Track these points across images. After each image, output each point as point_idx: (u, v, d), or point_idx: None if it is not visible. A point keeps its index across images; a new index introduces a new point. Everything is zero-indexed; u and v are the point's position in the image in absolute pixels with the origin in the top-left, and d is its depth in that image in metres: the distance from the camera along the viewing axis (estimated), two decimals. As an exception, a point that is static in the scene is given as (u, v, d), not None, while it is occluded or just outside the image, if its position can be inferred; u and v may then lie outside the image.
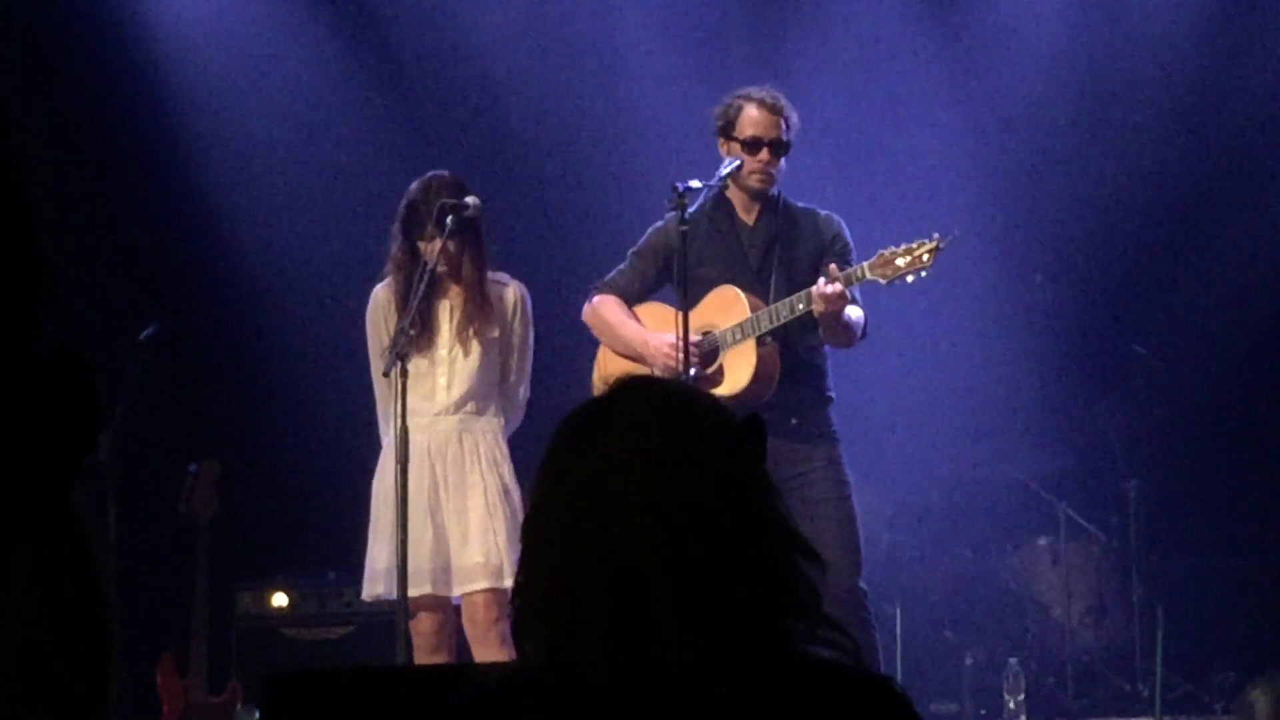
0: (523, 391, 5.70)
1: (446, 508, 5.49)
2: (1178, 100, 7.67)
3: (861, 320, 5.36)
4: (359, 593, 5.72)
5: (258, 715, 5.55)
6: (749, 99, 5.44)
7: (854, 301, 5.28)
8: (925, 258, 5.07)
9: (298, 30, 7.69)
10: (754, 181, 5.44)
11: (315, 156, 7.66)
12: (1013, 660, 6.97)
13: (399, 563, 5.21)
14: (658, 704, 1.79)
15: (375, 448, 5.69)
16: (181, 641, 6.29)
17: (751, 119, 5.42)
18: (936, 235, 5.12)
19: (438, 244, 5.41)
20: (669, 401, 1.89)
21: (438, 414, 5.54)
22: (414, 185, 5.56)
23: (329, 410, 7.13)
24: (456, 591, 5.49)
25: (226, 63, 7.61)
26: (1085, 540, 7.35)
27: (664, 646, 1.78)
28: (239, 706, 6.31)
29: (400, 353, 5.26)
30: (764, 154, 5.39)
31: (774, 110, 5.41)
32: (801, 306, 5.21)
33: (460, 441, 5.54)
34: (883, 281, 5.14)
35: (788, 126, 5.43)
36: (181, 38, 7.54)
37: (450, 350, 5.56)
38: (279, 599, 6.63)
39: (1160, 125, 7.66)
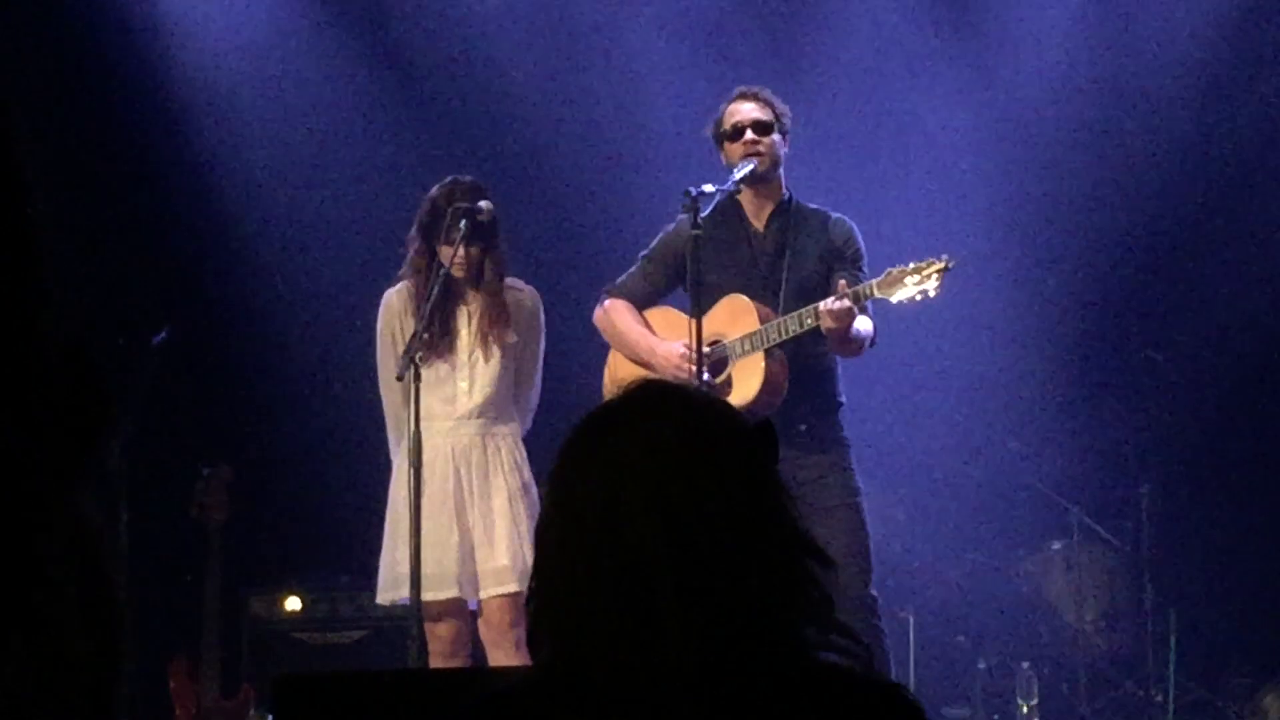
0: (534, 397, 5.72)
1: (471, 512, 5.50)
2: (1191, 105, 7.64)
3: (870, 331, 5.35)
4: (372, 597, 5.72)
5: (270, 719, 5.55)
6: (728, 100, 5.52)
7: (864, 311, 5.28)
8: (933, 278, 5.07)
9: (311, 36, 7.68)
10: (747, 161, 5.40)
11: (328, 161, 7.65)
12: (1025, 665, 6.96)
13: (412, 566, 5.21)
14: (668, 709, 1.78)
15: (388, 451, 5.69)
16: (193, 645, 6.28)
17: (731, 112, 5.50)
18: (945, 256, 5.12)
19: (454, 248, 5.42)
20: (682, 406, 1.88)
21: (460, 418, 5.55)
22: (436, 188, 5.57)
23: (341, 414, 7.12)
24: (484, 595, 5.50)
25: (240, 68, 7.61)
26: (1098, 545, 7.34)
27: (674, 651, 1.78)
28: (251, 710, 6.30)
29: (413, 356, 5.26)
30: (748, 134, 5.43)
31: (749, 97, 5.50)
32: (810, 321, 5.21)
33: (484, 446, 5.55)
34: (891, 300, 5.14)
35: (772, 109, 5.47)
36: (195, 43, 7.54)
37: (471, 354, 5.57)
38: (291, 603, 6.63)
39: (1174, 130, 7.64)
